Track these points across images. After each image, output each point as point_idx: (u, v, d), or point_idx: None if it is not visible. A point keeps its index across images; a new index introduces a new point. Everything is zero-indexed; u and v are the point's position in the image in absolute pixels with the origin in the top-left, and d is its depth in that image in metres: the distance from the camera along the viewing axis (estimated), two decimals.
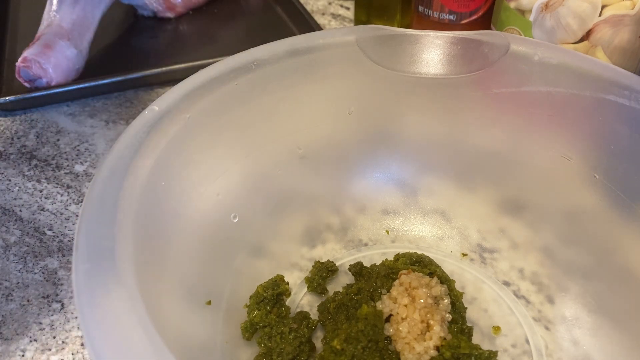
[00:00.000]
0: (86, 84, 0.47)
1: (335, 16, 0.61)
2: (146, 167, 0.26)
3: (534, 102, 0.33)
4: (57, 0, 0.48)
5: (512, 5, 0.41)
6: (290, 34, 0.56)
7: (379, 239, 0.36)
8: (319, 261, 0.33)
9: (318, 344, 0.30)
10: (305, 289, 0.33)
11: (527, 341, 0.30)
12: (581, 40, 0.38)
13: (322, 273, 0.33)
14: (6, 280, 0.34)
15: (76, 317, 0.32)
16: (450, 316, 0.29)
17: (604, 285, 0.31)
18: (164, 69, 0.49)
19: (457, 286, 0.32)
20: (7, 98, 0.46)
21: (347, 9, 0.62)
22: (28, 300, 0.33)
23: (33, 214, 0.39)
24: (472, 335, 0.30)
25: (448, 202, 0.37)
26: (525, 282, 0.33)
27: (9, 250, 0.36)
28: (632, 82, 0.30)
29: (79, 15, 0.49)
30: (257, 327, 0.30)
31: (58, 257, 0.36)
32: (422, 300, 0.28)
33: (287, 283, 0.32)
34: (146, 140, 0.27)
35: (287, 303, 0.32)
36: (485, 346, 0.30)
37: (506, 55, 0.33)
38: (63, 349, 0.31)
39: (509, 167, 0.35)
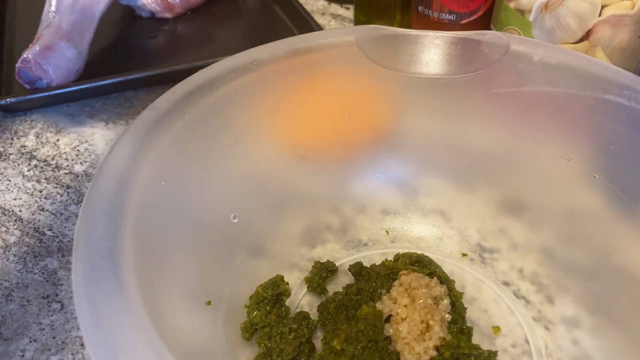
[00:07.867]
0: (86, 85, 0.47)
1: (335, 16, 0.61)
2: (146, 167, 0.26)
3: (534, 102, 0.33)
4: (55, 1, 0.48)
5: (511, 5, 0.41)
6: (290, 34, 0.56)
7: (379, 239, 0.36)
8: (318, 261, 0.33)
9: (318, 344, 0.30)
10: (305, 289, 0.33)
11: (527, 341, 0.30)
12: (581, 40, 0.38)
13: (322, 273, 0.33)
14: (6, 280, 0.34)
15: (76, 318, 0.32)
16: (450, 316, 0.29)
17: (604, 285, 0.31)
18: (163, 69, 0.49)
19: (457, 286, 0.32)
20: (7, 100, 0.46)
21: (347, 9, 0.62)
22: (28, 301, 0.33)
23: (33, 214, 0.39)
24: (471, 335, 0.30)
25: (448, 202, 0.37)
26: (525, 282, 0.33)
27: (9, 251, 0.36)
28: (632, 82, 0.30)
29: (78, 15, 0.48)
30: (257, 327, 0.30)
31: (58, 257, 0.36)
32: (421, 301, 0.28)
33: (287, 283, 0.32)
34: (146, 140, 0.27)
35: (287, 303, 0.32)
36: (485, 346, 0.30)
37: (506, 55, 0.32)
38: (63, 349, 0.31)
39: (509, 167, 0.35)
